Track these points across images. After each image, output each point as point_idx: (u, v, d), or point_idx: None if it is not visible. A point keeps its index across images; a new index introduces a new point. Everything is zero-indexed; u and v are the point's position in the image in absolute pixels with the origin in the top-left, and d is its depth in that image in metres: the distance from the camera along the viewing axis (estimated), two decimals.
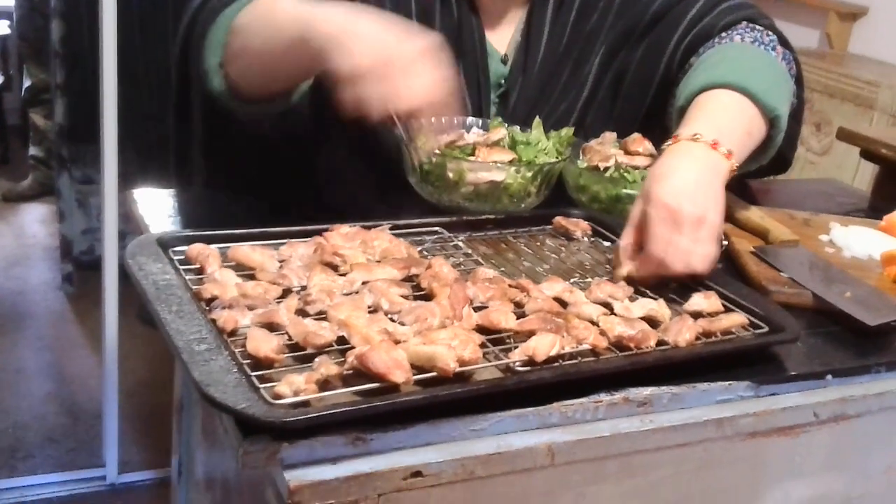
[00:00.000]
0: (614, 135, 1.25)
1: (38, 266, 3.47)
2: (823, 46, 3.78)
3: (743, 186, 1.29)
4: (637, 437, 0.78)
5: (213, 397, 0.65)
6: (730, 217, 1.21)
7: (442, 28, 1.28)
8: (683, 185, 0.98)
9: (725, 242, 1.14)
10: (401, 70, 0.93)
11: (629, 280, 0.96)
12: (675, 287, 0.96)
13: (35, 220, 3.91)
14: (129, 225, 2.50)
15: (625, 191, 1.16)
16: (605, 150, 1.22)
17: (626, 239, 0.99)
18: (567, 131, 1.21)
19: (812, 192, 1.53)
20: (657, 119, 1.28)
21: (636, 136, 1.24)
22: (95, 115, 2.10)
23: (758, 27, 1.25)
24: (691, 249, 0.95)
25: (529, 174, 1.12)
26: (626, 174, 1.18)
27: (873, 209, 1.46)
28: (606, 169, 1.19)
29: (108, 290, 2.22)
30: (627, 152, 1.22)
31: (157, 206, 1.10)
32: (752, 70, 1.15)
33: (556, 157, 1.17)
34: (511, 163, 1.13)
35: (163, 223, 1.06)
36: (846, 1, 3.74)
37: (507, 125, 1.23)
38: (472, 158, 1.13)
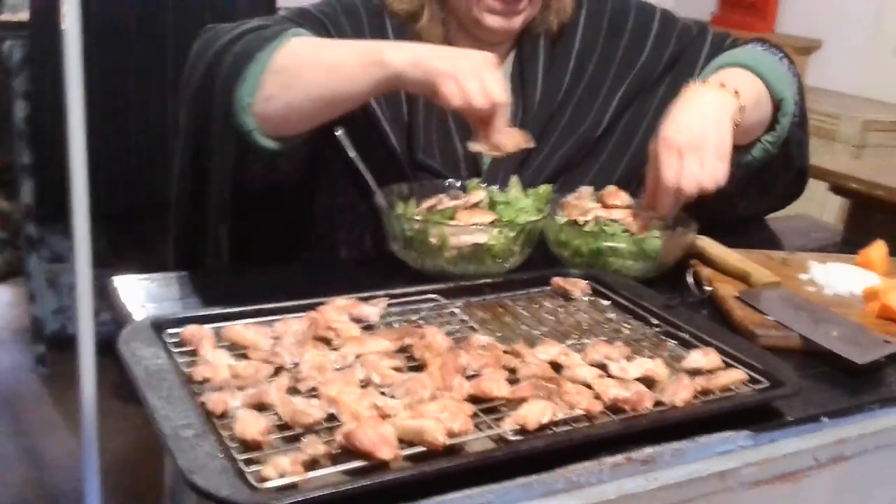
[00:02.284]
0: (591, 189, 1.26)
1: (10, 349, 3.41)
2: None
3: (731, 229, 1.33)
4: (643, 497, 0.78)
5: (197, 484, 0.65)
6: (711, 262, 1.22)
7: None
8: (684, 119, 1.14)
9: (709, 289, 1.15)
10: (478, 68, 1.09)
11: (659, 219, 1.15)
12: (672, 345, 0.97)
13: (3, 302, 3.85)
14: (102, 302, 2.48)
15: (605, 244, 1.16)
16: (583, 204, 1.23)
17: (647, 200, 1.18)
18: (545, 188, 1.22)
19: (786, 229, 1.55)
20: None
21: (612, 188, 1.26)
22: (63, 194, 2.08)
23: (766, 44, 1.36)
24: (699, 172, 1.11)
25: (512, 234, 1.13)
26: (605, 227, 1.19)
27: (847, 243, 1.48)
28: (586, 223, 1.20)
29: (84, 369, 2.19)
30: (605, 206, 1.23)
31: (140, 292, 1.09)
32: (761, 61, 1.27)
33: (537, 215, 1.18)
34: (492, 224, 1.14)
35: (147, 309, 1.05)
36: (800, 35, 3.84)
37: (485, 186, 1.23)
38: (453, 223, 1.14)
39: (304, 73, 1.13)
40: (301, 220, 1.36)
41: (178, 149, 1.25)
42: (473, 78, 1.07)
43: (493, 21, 1.29)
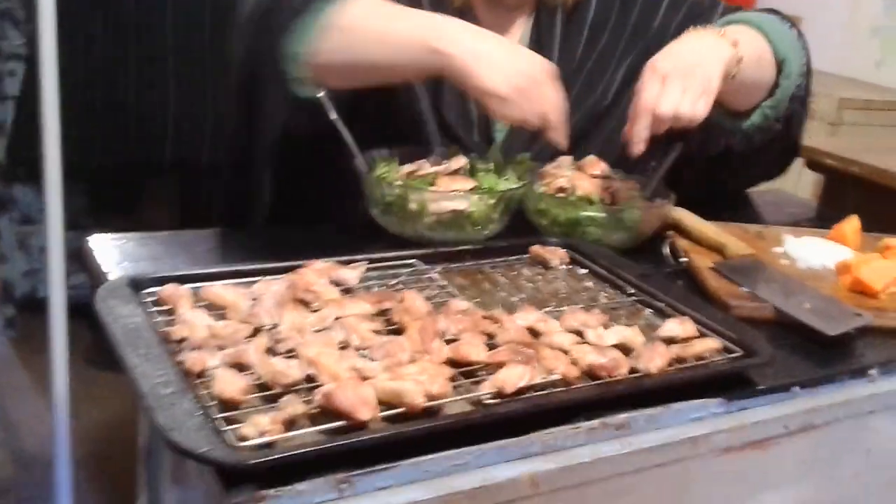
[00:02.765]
0: (570, 158, 1.26)
1: None
2: None
3: (707, 202, 1.33)
4: (618, 461, 0.79)
5: (176, 441, 0.65)
6: (687, 233, 1.23)
7: None
8: (675, 52, 1.14)
9: (684, 260, 1.16)
10: (536, 88, 1.08)
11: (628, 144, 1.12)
12: (649, 314, 0.98)
13: None
14: (74, 265, 2.45)
15: (583, 213, 1.17)
16: (561, 173, 1.23)
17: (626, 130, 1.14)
18: (524, 157, 1.22)
19: (761, 203, 1.56)
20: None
21: (592, 157, 1.26)
22: (34, 153, 2.05)
23: (780, 15, 1.34)
24: (678, 97, 1.09)
25: (492, 201, 1.13)
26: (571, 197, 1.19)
27: (821, 218, 1.50)
28: (563, 191, 1.20)
29: (55, 332, 2.17)
30: (585, 175, 1.23)
31: (115, 252, 1.08)
32: (768, 23, 1.26)
33: (517, 183, 1.18)
34: (472, 190, 1.14)
35: (123, 269, 1.04)
36: (779, 12, 3.84)
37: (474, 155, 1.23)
38: (433, 188, 1.14)
39: (366, 39, 1.12)
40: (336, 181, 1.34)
41: (230, 85, 1.25)
42: (526, 99, 1.08)
43: None
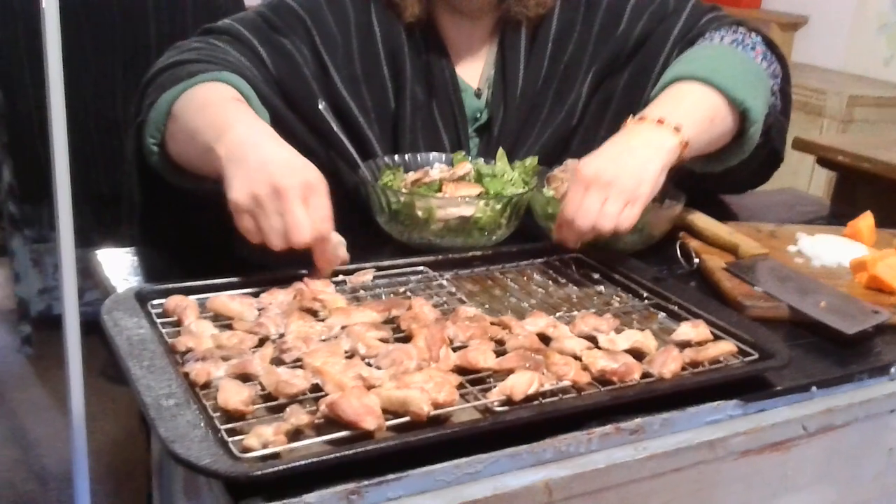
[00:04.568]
0: (577, 160, 1.25)
1: None
2: None
3: (718, 202, 1.31)
4: (632, 466, 0.77)
5: (178, 453, 0.64)
6: (699, 234, 1.22)
7: (412, 68, 1.29)
8: (603, 156, 1.07)
9: (697, 261, 1.15)
10: (283, 202, 0.91)
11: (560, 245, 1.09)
12: (662, 318, 0.96)
13: None
14: (88, 281, 2.46)
15: None
16: (569, 177, 1.22)
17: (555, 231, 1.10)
18: (531, 160, 1.21)
19: (773, 202, 1.54)
20: None
21: None
22: (46, 172, 2.06)
23: (741, 30, 1.27)
24: (597, 209, 1.04)
25: (499, 206, 1.12)
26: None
27: (834, 216, 1.48)
28: None
29: (70, 348, 2.17)
30: None
31: (124, 265, 1.08)
32: (722, 66, 1.17)
33: (523, 188, 1.17)
34: (479, 196, 1.13)
35: (131, 282, 1.03)
36: (786, 11, 3.84)
37: (471, 159, 1.22)
38: (439, 195, 1.13)
39: (180, 130, 1.04)
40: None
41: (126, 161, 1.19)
42: (276, 214, 0.92)
43: None
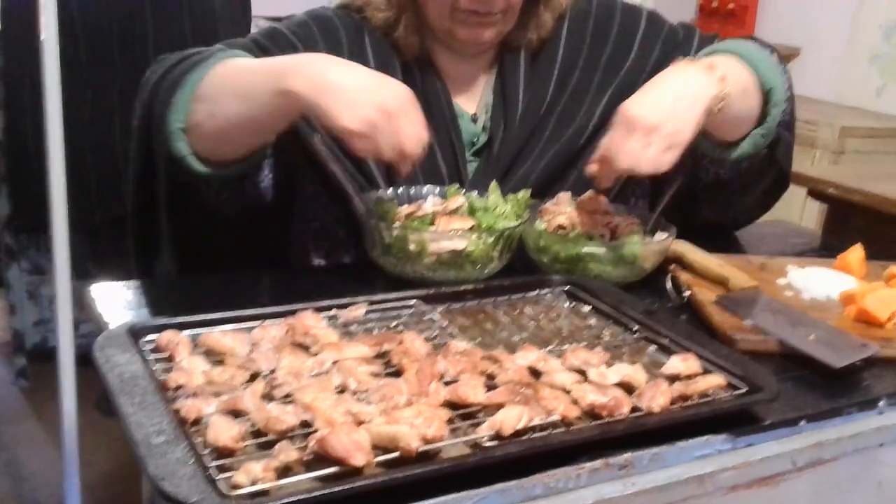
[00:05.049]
0: (569, 194, 1.26)
1: None
2: None
3: (709, 233, 1.32)
4: (621, 502, 0.78)
5: (166, 491, 0.64)
6: (690, 267, 1.23)
7: None
8: (650, 98, 1.09)
9: (687, 293, 1.15)
10: (394, 120, 1.03)
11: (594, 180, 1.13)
12: (652, 351, 0.97)
13: None
14: (84, 313, 2.45)
15: (584, 249, 1.17)
16: (561, 210, 1.23)
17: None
18: (524, 194, 1.22)
19: (765, 234, 1.55)
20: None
21: (590, 193, 1.26)
22: (42, 204, 2.07)
23: (758, 41, 1.32)
24: (639, 152, 1.06)
25: (491, 240, 1.13)
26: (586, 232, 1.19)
27: (825, 248, 1.49)
28: (563, 228, 1.20)
29: (64, 381, 2.17)
30: (585, 211, 1.23)
31: (118, 300, 1.08)
32: (752, 51, 1.23)
33: (516, 221, 1.18)
34: (472, 230, 1.14)
35: (125, 317, 1.04)
36: (778, 43, 3.86)
37: (464, 192, 1.24)
38: (432, 228, 1.14)
39: (223, 101, 1.09)
40: (276, 244, 1.34)
41: (130, 173, 1.24)
42: (391, 133, 1.03)
43: (465, 33, 1.28)
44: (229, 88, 1.10)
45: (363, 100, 1.02)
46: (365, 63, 1.30)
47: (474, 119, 1.36)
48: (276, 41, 1.29)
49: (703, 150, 1.25)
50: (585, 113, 1.36)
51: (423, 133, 1.06)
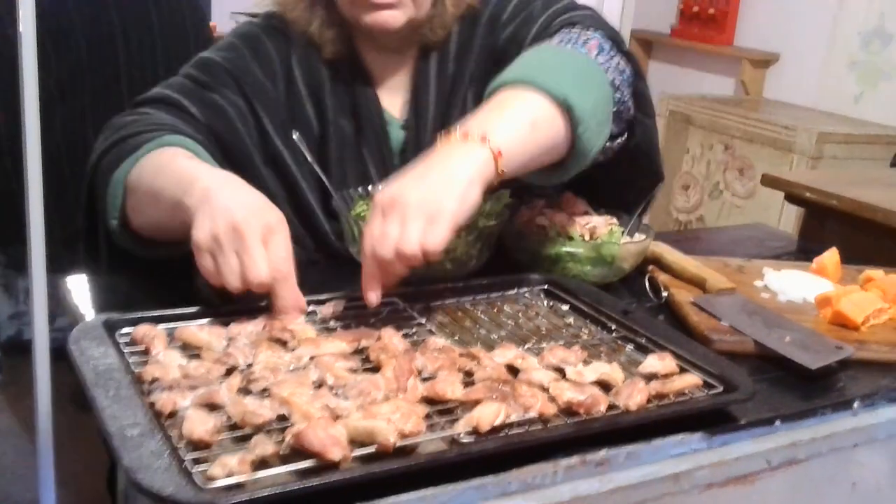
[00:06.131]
0: (542, 201, 1.26)
1: None
2: (739, 93, 3.93)
3: (688, 236, 1.32)
4: (597, 499, 0.78)
5: (141, 483, 0.64)
6: (668, 268, 1.24)
7: (335, 101, 1.29)
8: (401, 180, 0.96)
9: (665, 294, 1.16)
10: (243, 243, 0.90)
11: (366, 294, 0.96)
12: (630, 350, 0.97)
13: None
14: (59, 307, 2.43)
15: (564, 249, 1.17)
16: (540, 210, 1.24)
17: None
18: (504, 193, 1.22)
19: (742, 237, 1.57)
20: None
21: (569, 194, 1.27)
22: (18, 197, 2.05)
23: (575, 29, 1.21)
24: (396, 235, 0.92)
25: (470, 238, 1.13)
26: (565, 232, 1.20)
27: (802, 251, 1.50)
28: (543, 227, 1.21)
29: (39, 375, 2.15)
30: (565, 213, 1.24)
31: (93, 293, 1.08)
32: (543, 65, 1.10)
33: (495, 219, 1.18)
34: None
35: (101, 310, 1.03)
36: (758, 49, 3.91)
37: None
38: None
39: (143, 198, 1.07)
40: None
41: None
42: (234, 253, 0.91)
43: (369, 19, 1.23)
44: (146, 186, 1.06)
45: (221, 216, 0.92)
46: (291, 74, 1.29)
47: (404, 126, 1.33)
48: (212, 73, 1.26)
49: (533, 182, 1.16)
50: (463, 102, 1.31)
51: (279, 266, 0.92)
